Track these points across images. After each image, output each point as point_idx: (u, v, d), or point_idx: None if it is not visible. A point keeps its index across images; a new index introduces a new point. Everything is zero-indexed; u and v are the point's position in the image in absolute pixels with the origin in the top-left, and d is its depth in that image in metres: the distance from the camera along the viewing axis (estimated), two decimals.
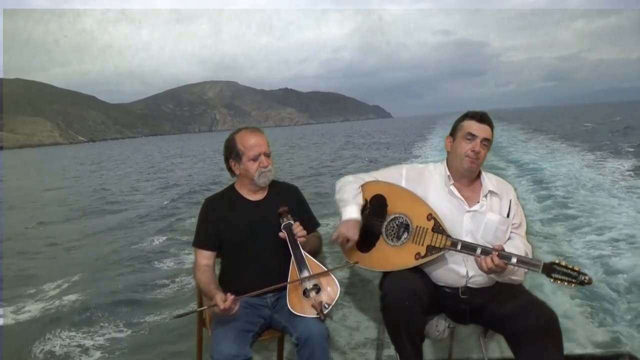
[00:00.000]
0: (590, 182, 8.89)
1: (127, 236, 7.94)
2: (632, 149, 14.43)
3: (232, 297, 1.88)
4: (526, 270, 1.88)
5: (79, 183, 19.34)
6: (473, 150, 2.00)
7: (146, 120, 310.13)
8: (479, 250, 1.87)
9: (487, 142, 2.03)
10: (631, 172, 9.75)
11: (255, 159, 2.09)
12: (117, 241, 7.61)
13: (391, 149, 24.39)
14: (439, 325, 2.05)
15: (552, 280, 1.74)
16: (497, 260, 1.81)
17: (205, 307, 2.00)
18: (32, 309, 4.64)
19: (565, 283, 1.72)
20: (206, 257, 2.11)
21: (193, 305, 2.71)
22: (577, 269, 1.72)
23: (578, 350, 2.82)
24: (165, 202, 11.24)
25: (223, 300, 1.86)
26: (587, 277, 1.71)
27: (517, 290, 1.99)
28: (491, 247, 1.86)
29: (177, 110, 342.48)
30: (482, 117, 2.04)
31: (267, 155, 2.13)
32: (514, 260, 1.81)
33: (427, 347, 2.31)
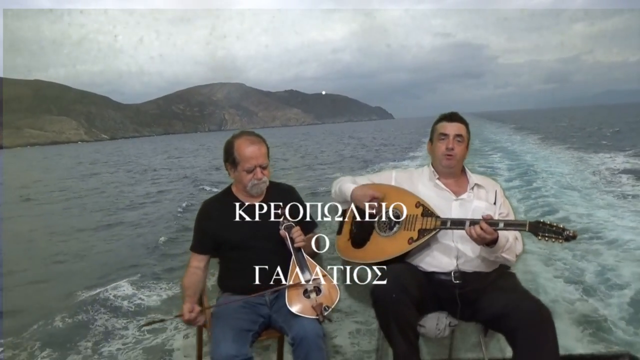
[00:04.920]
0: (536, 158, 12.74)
1: None
2: (580, 133, 26.09)
3: (199, 309, 1.97)
4: (517, 253, 1.98)
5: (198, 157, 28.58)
6: (447, 148, 2.12)
7: (158, 120, 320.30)
8: (467, 223, 1.91)
9: (460, 137, 2.14)
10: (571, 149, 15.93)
11: (250, 171, 2.07)
12: None
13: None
14: (439, 323, 2.06)
15: (539, 238, 1.79)
16: (484, 225, 1.86)
17: (171, 317, 1.92)
18: None
19: (552, 240, 1.76)
20: (198, 260, 2.15)
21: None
22: (561, 225, 1.76)
23: (574, 350, 2.80)
24: None
25: (189, 311, 1.92)
26: (571, 232, 1.75)
27: (510, 284, 2.04)
28: (478, 219, 1.89)
29: (187, 110, 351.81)
30: (451, 116, 2.18)
31: (264, 167, 2.10)
32: (501, 225, 1.87)
33: (427, 347, 2.37)
